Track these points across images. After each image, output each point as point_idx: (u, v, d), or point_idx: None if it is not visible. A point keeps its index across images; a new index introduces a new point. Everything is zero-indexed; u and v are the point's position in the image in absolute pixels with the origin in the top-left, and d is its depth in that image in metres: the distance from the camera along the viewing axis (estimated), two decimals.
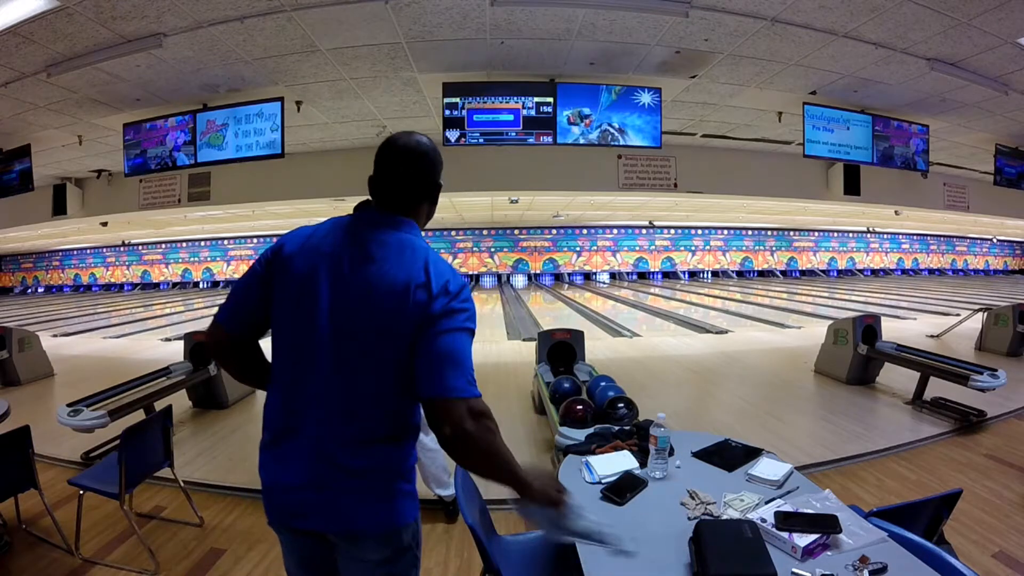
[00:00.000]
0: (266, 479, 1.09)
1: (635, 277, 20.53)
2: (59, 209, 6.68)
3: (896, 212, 9.00)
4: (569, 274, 20.06)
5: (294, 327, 1.07)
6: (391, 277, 1.04)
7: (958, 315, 8.30)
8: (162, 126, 4.73)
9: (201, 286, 20.69)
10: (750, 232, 21.06)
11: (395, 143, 1.15)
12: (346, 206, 7.86)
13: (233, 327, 1.16)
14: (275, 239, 1.21)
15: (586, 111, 4.45)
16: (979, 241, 24.52)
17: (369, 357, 1.03)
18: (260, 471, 1.10)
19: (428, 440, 2.67)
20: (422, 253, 1.09)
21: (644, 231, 20.20)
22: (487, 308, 12.90)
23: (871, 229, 20.90)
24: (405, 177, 1.15)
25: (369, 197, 1.19)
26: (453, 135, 4.38)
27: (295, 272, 1.08)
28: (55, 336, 8.97)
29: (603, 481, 1.63)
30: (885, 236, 22.90)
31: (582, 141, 4.50)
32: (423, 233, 1.19)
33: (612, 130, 4.51)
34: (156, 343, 8.11)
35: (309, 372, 1.05)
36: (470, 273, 19.78)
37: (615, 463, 1.73)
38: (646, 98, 4.47)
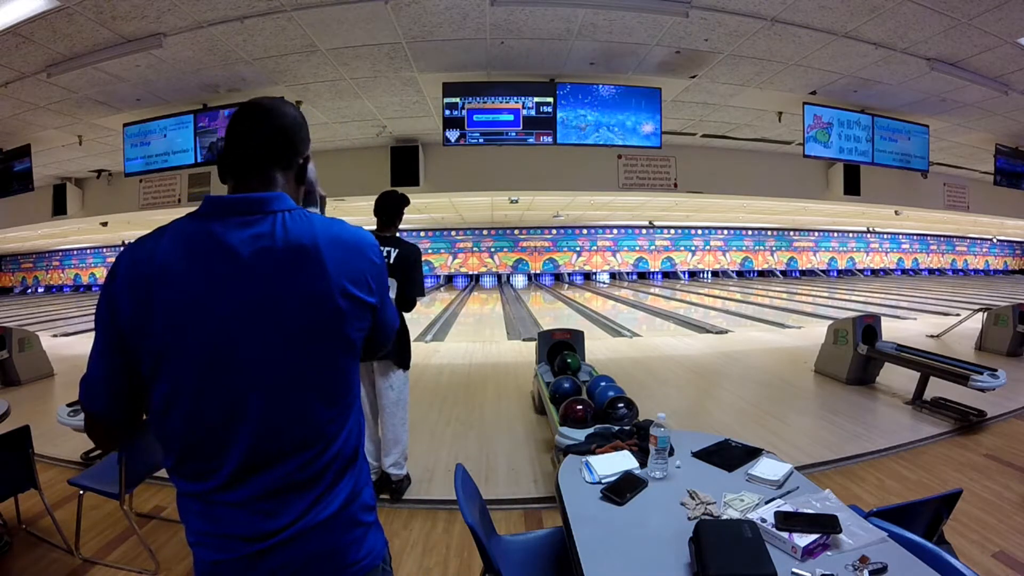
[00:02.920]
0: None
1: (635, 277, 20.53)
2: (59, 209, 6.68)
3: (896, 212, 9.01)
4: (569, 274, 20.07)
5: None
6: (293, 276, 0.82)
7: (958, 315, 8.30)
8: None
9: None
10: (750, 232, 21.07)
11: (252, 104, 0.91)
12: (346, 206, 7.87)
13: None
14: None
15: (587, 114, 4.45)
16: (979, 241, 24.53)
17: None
18: None
19: (388, 397, 2.66)
20: (325, 231, 0.87)
21: (644, 231, 20.20)
22: (487, 308, 12.90)
23: (871, 229, 20.90)
24: (264, 139, 0.89)
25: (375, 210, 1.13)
26: (453, 135, 4.38)
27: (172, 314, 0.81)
28: (55, 336, 8.97)
29: (603, 481, 1.63)
30: (885, 236, 22.91)
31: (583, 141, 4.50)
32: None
33: (612, 135, 4.51)
34: None
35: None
36: (470, 273, 19.79)
37: (615, 463, 1.73)
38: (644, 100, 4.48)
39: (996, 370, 3.85)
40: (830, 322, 5.45)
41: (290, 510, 0.83)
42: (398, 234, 2.81)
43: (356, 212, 11.96)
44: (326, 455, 0.86)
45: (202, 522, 0.84)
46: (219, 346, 0.80)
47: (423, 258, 2.92)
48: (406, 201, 2.80)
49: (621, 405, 2.80)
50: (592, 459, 1.76)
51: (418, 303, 2.83)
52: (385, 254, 2.73)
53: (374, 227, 2.86)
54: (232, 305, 0.80)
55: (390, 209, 2.75)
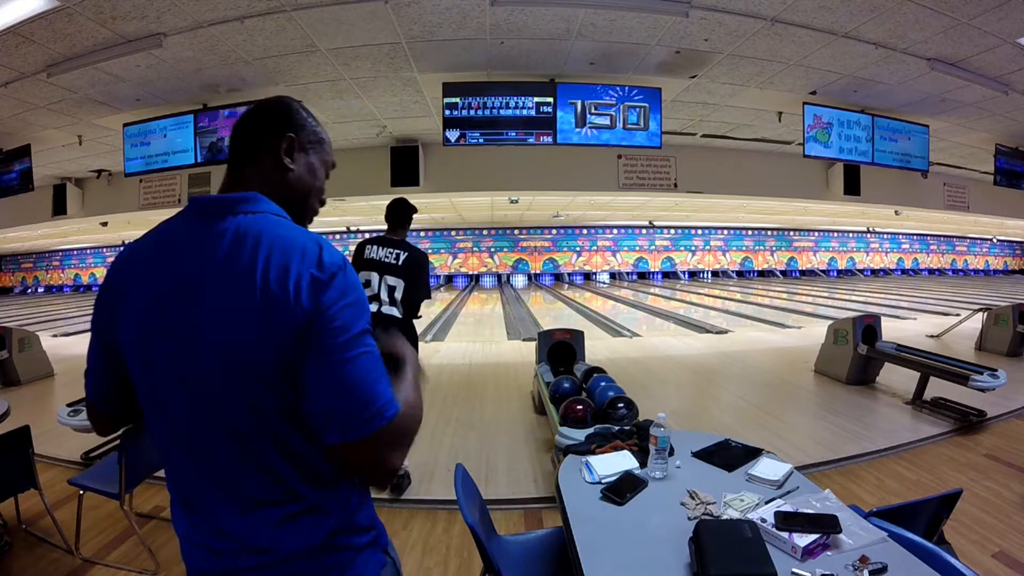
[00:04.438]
0: None
1: (635, 277, 20.53)
2: (59, 209, 6.69)
3: (896, 212, 9.01)
4: (569, 274, 20.07)
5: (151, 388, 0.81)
6: (229, 287, 0.74)
7: (958, 315, 8.30)
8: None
9: None
10: (750, 232, 21.07)
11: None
12: (346, 206, 7.83)
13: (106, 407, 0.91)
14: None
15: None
16: (979, 241, 24.54)
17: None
18: None
19: None
20: (268, 233, 0.77)
21: (644, 231, 20.21)
22: (487, 308, 12.90)
23: (871, 229, 20.91)
24: (236, 128, 0.88)
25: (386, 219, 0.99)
26: (453, 135, 4.38)
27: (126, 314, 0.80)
28: (55, 336, 8.97)
29: (603, 481, 1.63)
30: (885, 236, 22.92)
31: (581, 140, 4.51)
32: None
33: (612, 134, 4.51)
34: None
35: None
36: (470, 273, 19.79)
37: (615, 463, 1.73)
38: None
39: (996, 370, 3.85)
40: (830, 322, 5.45)
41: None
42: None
43: (356, 212, 11.98)
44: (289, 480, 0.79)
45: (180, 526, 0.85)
46: (172, 353, 0.76)
47: None
48: (414, 209, 2.97)
49: (621, 405, 2.80)
50: (592, 459, 1.76)
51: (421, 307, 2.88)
52: (395, 256, 2.80)
53: (384, 230, 2.98)
54: (185, 310, 0.75)
55: (400, 215, 2.91)
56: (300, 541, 0.79)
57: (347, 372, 0.73)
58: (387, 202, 2.96)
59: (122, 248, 0.87)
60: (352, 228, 16.68)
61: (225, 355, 0.73)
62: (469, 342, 7.84)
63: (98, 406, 0.91)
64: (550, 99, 4.40)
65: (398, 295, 2.75)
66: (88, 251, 21.48)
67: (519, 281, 19.76)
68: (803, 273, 21.96)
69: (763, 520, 1.32)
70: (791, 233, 21.60)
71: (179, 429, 0.79)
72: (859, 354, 4.86)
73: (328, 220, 13.18)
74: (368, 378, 0.75)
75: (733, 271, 21.30)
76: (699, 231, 20.68)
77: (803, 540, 1.23)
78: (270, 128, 0.87)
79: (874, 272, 22.95)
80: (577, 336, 4.39)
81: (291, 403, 0.75)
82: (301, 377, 0.73)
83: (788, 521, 1.30)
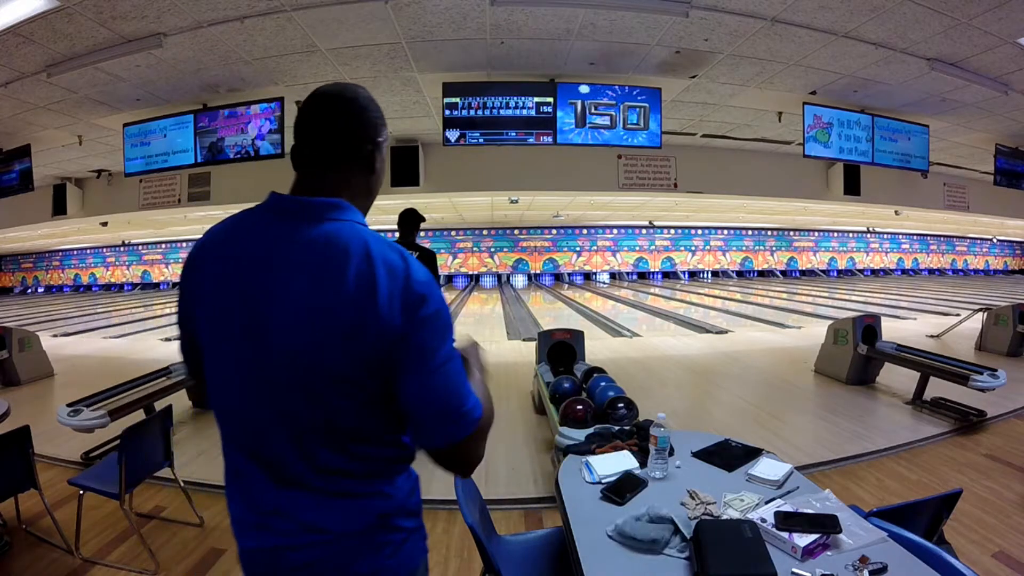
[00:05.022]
0: None
1: (635, 277, 20.52)
2: (59, 209, 6.69)
3: (896, 212, 9.01)
4: (569, 274, 20.06)
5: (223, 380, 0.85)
6: (318, 297, 0.76)
7: (958, 315, 8.29)
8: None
9: None
10: (750, 232, 21.07)
11: (314, 94, 0.86)
12: None
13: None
14: None
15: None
16: (979, 241, 24.53)
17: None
18: None
19: None
20: (357, 246, 0.78)
21: (644, 231, 20.20)
22: (487, 308, 12.90)
23: (871, 229, 20.90)
24: (323, 133, 0.85)
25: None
26: (453, 135, 4.38)
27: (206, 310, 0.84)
28: (55, 336, 8.96)
29: (603, 481, 1.63)
30: (885, 236, 22.91)
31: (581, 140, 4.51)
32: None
33: (612, 134, 4.51)
34: (156, 343, 8.10)
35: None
36: (470, 273, 19.79)
37: (615, 463, 1.73)
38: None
39: (996, 370, 3.85)
40: (830, 322, 5.45)
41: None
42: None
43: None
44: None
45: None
46: (249, 351, 0.79)
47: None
48: (423, 219, 3.47)
49: (621, 405, 2.81)
50: (592, 459, 1.76)
51: None
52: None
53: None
54: (260, 302, 0.78)
55: (411, 223, 3.40)
56: (358, 522, 0.83)
57: (442, 382, 0.79)
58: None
59: (201, 239, 0.87)
60: None
61: (304, 359, 0.76)
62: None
63: (191, 374, 1.00)
64: (550, 99, 4.40)
65: None
66: (88, 251, 21.47)
67: (519, 281, 19.75)
68: (803, 273, 21.94)
69: (763, 520, 1.32)
70: (791, 233, 21.59)
71: (244, 419, 0.82)
72: (859, 354, 4.86)
73: None
74: (459, 385, 0.81)
75: (733, 271, 21.29)
76: (699, 231, 20.67)
77: (803, 540, 1.23)
78: (365, 133, 0.87)
79: (874, 272, 22.93)
80: (577, 336, 4.39)
81: (361, 401, 0.79)
82: (399, 388, 0.78)
83: (788, 521, 1.30)
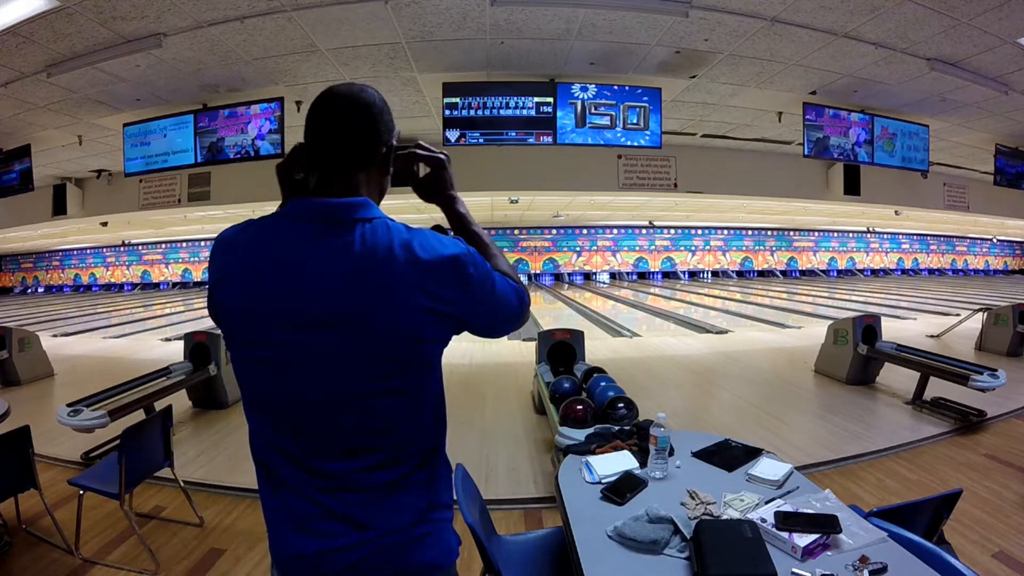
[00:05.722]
0: None
1: (635, 277, 20.52)
2: (59, 209, 6.68)
3: (896, 212, 9.01)
4: (569, 274, 20.05)
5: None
6: (369, 296, 0.79)
7: (958, 315, 8.29)
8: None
9: (202, 286, 20.69)
10: (750, 232, 21.06)
11: (331, 94, 0.86)
12: None
13: None
14: None
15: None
16: (979, 241, 24.52)
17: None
18: None
19: None
20: (398, 241, 0.82)
21: (644, 231, 20.19)
22: None
23: (871, 229, 20.89)
24: (344, 135, 0.85)
25: None
26: (453, 135, 4.38)
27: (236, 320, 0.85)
28: (55, 336, 8.96)
29: (603, 481, 1.63)
30: (885, 236, 22.90)
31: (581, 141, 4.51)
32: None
33: (612, 134, 4.51)
34: (156, 343, 8.11)
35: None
36: None
37: (615, 463, 1.73)
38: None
39: (996, 370, 3.85)
40: (830, 322, 5.45)
41: None
42: None
43: None
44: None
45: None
46: (274, 342, 0.80)
47: None
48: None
49: (621, 405, 2.81)
50: (592, 459, 1.75)
51: None
52: None
53: None
54: (293, 307, 0.80)
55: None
56: (402, 518, 0.85)
57: (499, 307, 0.92)
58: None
59: (219, 244, 0.87)
60: None
61: (358, 355, 0.80)
62: (469, 342, 7.83)
63: None
64: (550, 99, 4.40)
65: None
66: (88, 251, 21.46)
67: None
68: (803, 273, 21.93)
69: (763, 520, 1.32)
70: (791, 233, 21.58)
71: (293, 417, 0.83)
72: (859, 354, 4.86)
73: None
74: (509, 296, 0.94)
75: (733, 271, 21.28)
76: (699, 231, 20.66)
77: (803, 540, 1.23)
78: (381, 136, 0.89)
79: (874, 272, 22.93)
80: (577, 336, 4.39)
81: (411, 390, 0.84)
82: (470, 328, 0.91)
83: (788, 521, 1.29)
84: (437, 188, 1.04)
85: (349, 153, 0.86)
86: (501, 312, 0.93)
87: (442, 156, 1.03)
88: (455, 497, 0.99)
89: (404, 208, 11.00)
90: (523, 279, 0.98)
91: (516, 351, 6.81)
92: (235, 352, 0.86)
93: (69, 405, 3.11)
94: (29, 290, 22.30)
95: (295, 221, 0.83)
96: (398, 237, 0.82)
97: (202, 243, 20.42)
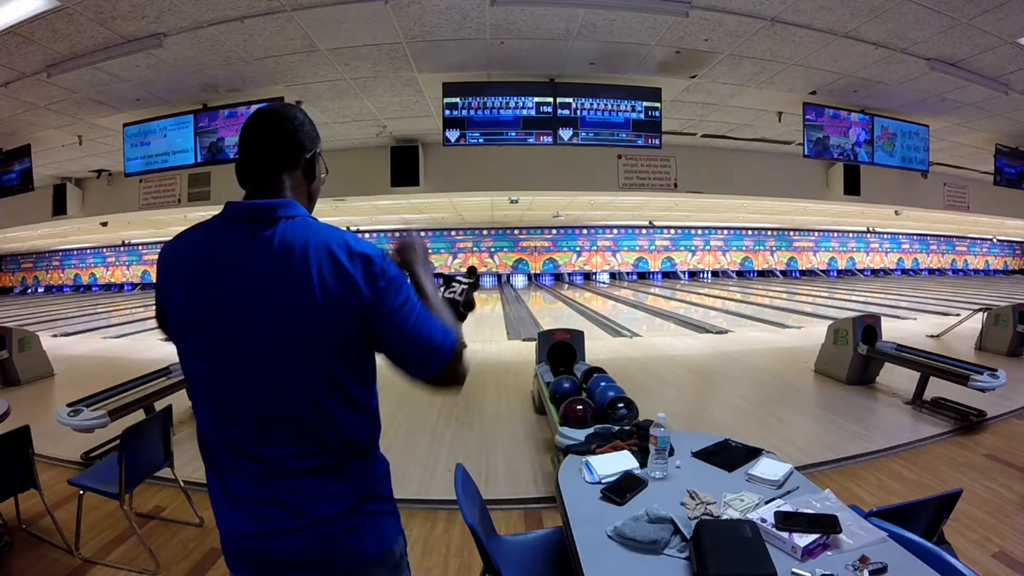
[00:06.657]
0: None
1: (635, 277, 20.52)
2: (59, 209, 6.68)
3: (896, 212, 9.01)
4: (569, 274, 20.06)
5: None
6: (287, 287, 0.86)
7: (958, 315, 8.29)
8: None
9: None
10: (750, 232, 21.06)
11: (257, 113, 0.98)
12: (346, 206, 7.82)
13: None
14: None
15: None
16: (979, 241, 24.52)
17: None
18: None
19: None
20: (315, 238, 0.89)
21: (644, 231, 20.20)
22: (487, 308, 12.89)
23: (871, 229, 20.89)
24: (268, 144, 0.95)
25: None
26: (453, 135, 4.38)
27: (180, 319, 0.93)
28: (55, 336, 8.97)
29: (603, 481, 1.63)
30: (885, 236, 22.90)
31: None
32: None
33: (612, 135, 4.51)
34: (156, 343, 8.09)
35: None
36: None
37: (615, 463, 1.73)
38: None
39: (996, 370, 3.85)
40: (830, 322, 5.45)
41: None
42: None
43: (356, 212, 11.97)
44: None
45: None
46: (230, 341, 0.88)
47: None
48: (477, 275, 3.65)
49: (621, 405, 2.80)
50: (592, 459, 1.76)
51: None
52: None
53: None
54: (230, 297, 0.88)
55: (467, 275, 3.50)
56: (334, 507, 0.91)
57: (415, 330, 0.91)
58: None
59: (164, 249, 0.97)
60: (352, 228, 16.69)
61: (284, 343, 0.86)
62: (469, 342, 7.81)
63: None
64: (550, 99, 4.40)
65: None
66: (88, 251, 21.46)
67: (519, 281, 19.74)
68: (803, 273, 21.94)
69: (763, 520, 1.32)
70: (791, 233, 21.58)
71: (230, 405, 0.90)
72: (859, 354, 4.86)
73: (328, 220, 13.13)
74: (430, 326, 0.93)
75: (733, 271, 21.29)
76: (699, 231, 20.66)
77: (803, 540, 1.23)
78: (303, 144, 0.98)
79: (874, 272, 22.92)
80: (577, 336, 4.39)
81: (341, 380, 0.90)
82: (382, 344, 0.91)
83: (788, 521, 1.30)
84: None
85: (270, 158, 0.96)
86: (419, 335, 0.91)
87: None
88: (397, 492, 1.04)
89: (404, 208, 11.02)
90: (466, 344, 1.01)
91: (516, 351, 6.82)
92: (177, 344, 0.94)
93: (69, 405, 3.11)
94: (29, 290, 22.29)
95: (228, 222, 0.92)
96: (316, 233, 0.89)
97: None
